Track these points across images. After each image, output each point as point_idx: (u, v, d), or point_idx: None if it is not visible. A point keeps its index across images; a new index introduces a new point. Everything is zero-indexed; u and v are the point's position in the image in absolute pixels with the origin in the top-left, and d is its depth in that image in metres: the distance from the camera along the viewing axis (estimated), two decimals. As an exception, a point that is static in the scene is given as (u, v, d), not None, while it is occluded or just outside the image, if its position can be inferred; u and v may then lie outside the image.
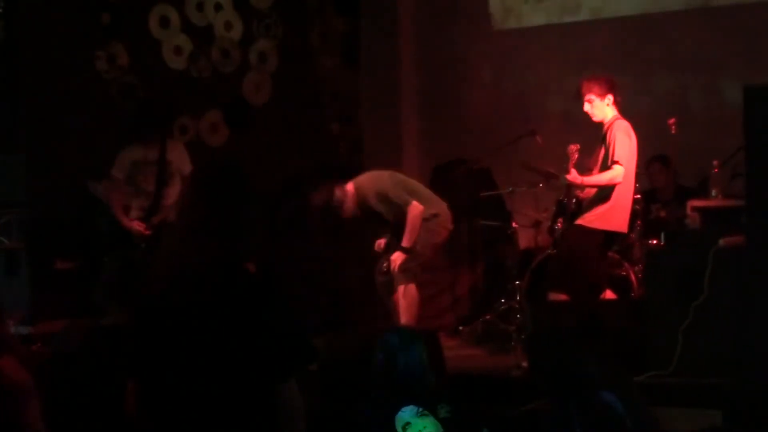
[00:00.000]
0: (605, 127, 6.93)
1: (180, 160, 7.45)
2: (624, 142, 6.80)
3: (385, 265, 7.36)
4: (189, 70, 8.85)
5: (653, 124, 7.62)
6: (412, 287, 7.23)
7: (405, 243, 7.13)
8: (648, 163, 7.93)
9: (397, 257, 7.15)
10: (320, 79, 9.61)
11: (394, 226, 7.30)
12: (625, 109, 7.07)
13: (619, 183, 6.83)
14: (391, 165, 8.01)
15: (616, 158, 6.77)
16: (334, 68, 9.68)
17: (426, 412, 4.05)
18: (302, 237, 8.67)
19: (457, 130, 9.40)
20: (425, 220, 7.20)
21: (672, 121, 7.26)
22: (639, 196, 7.43)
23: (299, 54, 9.44)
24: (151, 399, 3.26)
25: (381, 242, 7.50)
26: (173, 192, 7.23)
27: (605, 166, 6.86)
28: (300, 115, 9.36)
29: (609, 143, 6.83)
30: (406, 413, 3.91)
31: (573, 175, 6.93)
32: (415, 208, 7.14)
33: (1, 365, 3.90)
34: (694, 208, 6.62)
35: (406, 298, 7.20)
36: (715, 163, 6.72)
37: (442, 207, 7.36)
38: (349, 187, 7.29)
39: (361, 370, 4.29)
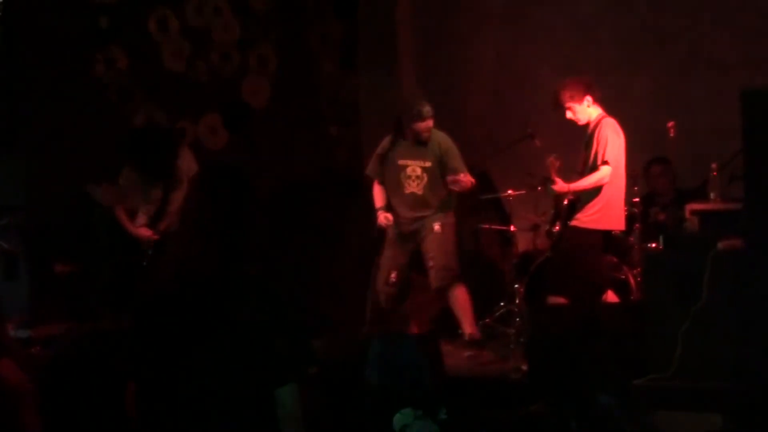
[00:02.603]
0: (591, 126, 6.95)
1: (187, 164, 7.43)
2: (614, 141, 6.85)
3: (393, 275, 7.40)
4: (188, 73, 8.84)
5: (652, 127, 7.62)
6: (462, 288, 7.35)
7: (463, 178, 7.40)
8: (647, 165, 7.92)
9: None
10: (319, 83, 9.61)
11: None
12: (623, 112, 7.08)
13: (606, 183, 6.85)
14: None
15: (606, 158, 6.80)
16: (332, 71, 9.67)
17: (424, 414, 4.05)
18: (302, 239, 8.67)
19: (455, 133, 9.38)
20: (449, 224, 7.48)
21: (671, 124, 7.26)
22: (638, 199, 7.43)
23: (298, 57, 9.43)
24: (151, 401, 3.26)
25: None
26: (180, 197, 7.19)
27: (594, 166, 6.88)
28: (299, 119, 9.36)
29: (598, 142, 6.85)
30: (404, 415, 3.92)
31: (560, 185, 6.95)
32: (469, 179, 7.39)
33: (0, 368, 3.90)
34: (693, 212, 6.61)
35: (459, 298, 7.27)
36: (713, 166, 6.71)
37: None
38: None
39: (359, 373, 4.30)
